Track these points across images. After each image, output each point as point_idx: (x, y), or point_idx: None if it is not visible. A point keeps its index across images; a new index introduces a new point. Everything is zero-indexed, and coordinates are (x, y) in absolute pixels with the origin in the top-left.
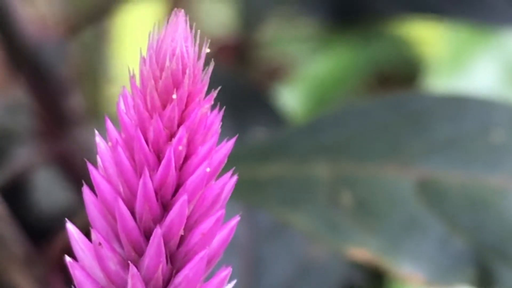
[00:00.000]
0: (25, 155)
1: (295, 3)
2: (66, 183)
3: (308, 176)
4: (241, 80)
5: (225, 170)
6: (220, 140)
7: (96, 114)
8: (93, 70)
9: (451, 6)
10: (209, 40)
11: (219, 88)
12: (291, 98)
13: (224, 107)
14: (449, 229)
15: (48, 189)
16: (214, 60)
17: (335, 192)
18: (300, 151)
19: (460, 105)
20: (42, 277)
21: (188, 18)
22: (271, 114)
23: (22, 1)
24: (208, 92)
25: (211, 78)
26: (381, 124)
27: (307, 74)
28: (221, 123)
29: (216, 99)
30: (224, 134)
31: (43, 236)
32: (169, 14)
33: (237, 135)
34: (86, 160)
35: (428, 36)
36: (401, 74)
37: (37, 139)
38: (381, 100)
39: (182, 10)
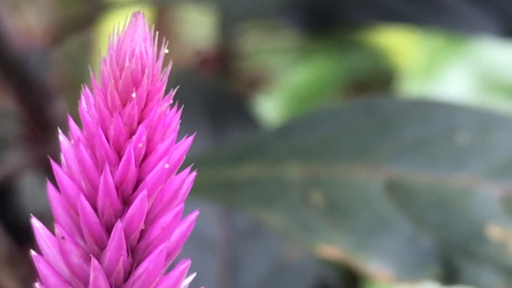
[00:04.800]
0: (12, 160)
1: (274, 15)
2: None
3: (281, 177)
4: (221, 90)
5: (201, 171)
6: (197, 142)
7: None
8: (78, 78)
9: (423, 15)
10: (195, 52)
11: (201, 96)
12: (271, 107)
13: (205, 114)
14: (416, 227)
15: (33, 193)
16: (196, 72)
17: (307, 192)
18: (273, 153)
19: (428, 109)
20: (26, 276)
21: (171, 30)
22: (249, 121)
23: (9, 13)
24: (191, 100)
25: (192, 87)
26: (352, 126)
27: (287, 84)
28: (201, 130)
29: (197, 108)
30: (204, 139)
31: (28, 237)
32: (152, 23)
33: (195, 133)
34: (50, 158)
35: (402, 46)
36: (376, 83)
37: (24, 144)
38: (352, 104)
39: (142, 12)
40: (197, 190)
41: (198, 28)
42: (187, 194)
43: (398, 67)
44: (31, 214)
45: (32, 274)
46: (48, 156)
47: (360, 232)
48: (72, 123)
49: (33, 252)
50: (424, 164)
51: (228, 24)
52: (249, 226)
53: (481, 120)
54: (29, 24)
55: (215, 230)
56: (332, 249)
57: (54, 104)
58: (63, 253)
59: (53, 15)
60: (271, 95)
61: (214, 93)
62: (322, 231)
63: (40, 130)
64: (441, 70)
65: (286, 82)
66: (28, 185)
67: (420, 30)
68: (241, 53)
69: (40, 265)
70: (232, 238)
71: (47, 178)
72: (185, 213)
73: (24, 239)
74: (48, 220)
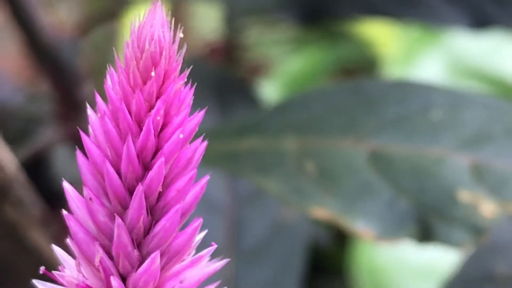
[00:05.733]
0: (46, 135)
1: (273, 11)
2: None
3: (279, 149)
4: (227, 75)
5: (208, 143)
6: (205, 119)
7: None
8: (103, 65)
9: (402, 9)
10: (204, 43)
11: (210, 80)
12: (270, 90)
13: (212, 92)
14: (396, 192)
15: (63, 163)
16: (206, 60)
17: (301, 162)
18: (272, 128)
19: (406, 89)
20: (57, 235)
21: (184, 24)
22: (252, 102)
23: (44, 10)
24: (201, 83)
25: (202, 72)
26: (340, 105)
27: (284, 71)
28: (209, 109)
29: (206, 90)
30: (212, 117)
31: (58, 202)
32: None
33: (206, 108)
34: (78, 128)
35: (384, 37)
36: (361, 70)
37: (56, 122)
38: (340, 85)
39: (159, 2)
40: (205, 160)
41: (208, 22)
42: (199, 161)
43: (380, 56)
44: (62, 179)
45: (62, 233)
46: (77, 130)
47: (347, 197)
48: (99, 99)
49: (64, 212)
50: (403, 138)
51: (234, 19)
52: (251, 192)
53: (452, 99)
54: (61, 19)
55: (221, 195)
56: (323, 211)
57: (82, 87)
58: (90, 212)
59: (81, 11)
60: (270, 81)
61: (221, 77)
62: (314, 196)
63: (70, 109)
64: (418, 58)
65: (283, 69)
66: (60, 157)
67: (399, 22)
68: (244, 44)
69: (71, 222)
70: (236, 202)
71: (76, 148)
72: (196, 179)
73: (55, 203)
74: (76, 186)
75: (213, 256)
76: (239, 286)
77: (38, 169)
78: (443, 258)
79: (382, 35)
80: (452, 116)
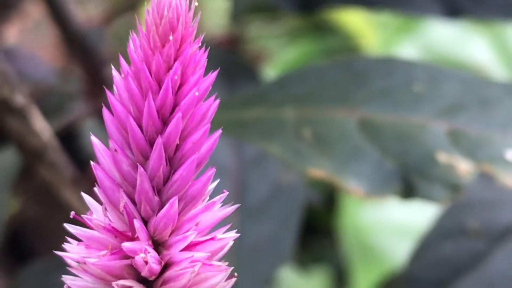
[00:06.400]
0: (76, 110)
1: (273, 3)
2: (105, 130)
3: (280, 118)
4: (235, 58)
5: (218, 114)
6: (213, 91)
7: None
8: (123, 50)
9: (385, 0)
10: (211, 36)
11: (219, 62)
12: (269, 77)
13: (221, 73)
14: (382, 155)
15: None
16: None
17: (299, 129)
18: (273, 99)
19: (391, 65)
20: (86, 194)
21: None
22: (256, 82)
23: (74, 5)
24: (210, 64)
25: (213, 57)
26: (333, 79)
27: (280, 60)
28: (218, 87)
29: (215, 70)
30: (221, 94)
31: (87, 167)
32: None
33: (219, 69)
34: (104, 87)
35: (365, 29)
36: None
37: (85, 98)
38: (333, 62)
39: None
40: (215, 128)
41: (214, 18)
42: (212, 116)
43: (362, 46)
44: (91, 133)
45: (91, 192)
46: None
47: (339, 159)
48: (122, 60)
49: (92, 163)
50: (389, 107)
51: (238, 14)
52: (254, 157)
53: (431, 74)
54: (89, 12)
55: (228, 159)
56: (319, 171)
57: (106, 68)
58: (115, 162)
59: (105, 6)
60: (268, 68)
61: (228, 60)
62: (311, 158)
63: (96, 87)
64: (394, 47)
65: (279, 59)
66: (88, 129)
67: (382, 13)
68: (246, 37)
69: (98, 172)
70: (241, 166)
71: (102, 104)
72: None
73: (84, 168)
74: None
75: None
76: (244, 240)
77: (69, 139)
78: (422, 218)
79: (363, 28)
80: (432, 88)
